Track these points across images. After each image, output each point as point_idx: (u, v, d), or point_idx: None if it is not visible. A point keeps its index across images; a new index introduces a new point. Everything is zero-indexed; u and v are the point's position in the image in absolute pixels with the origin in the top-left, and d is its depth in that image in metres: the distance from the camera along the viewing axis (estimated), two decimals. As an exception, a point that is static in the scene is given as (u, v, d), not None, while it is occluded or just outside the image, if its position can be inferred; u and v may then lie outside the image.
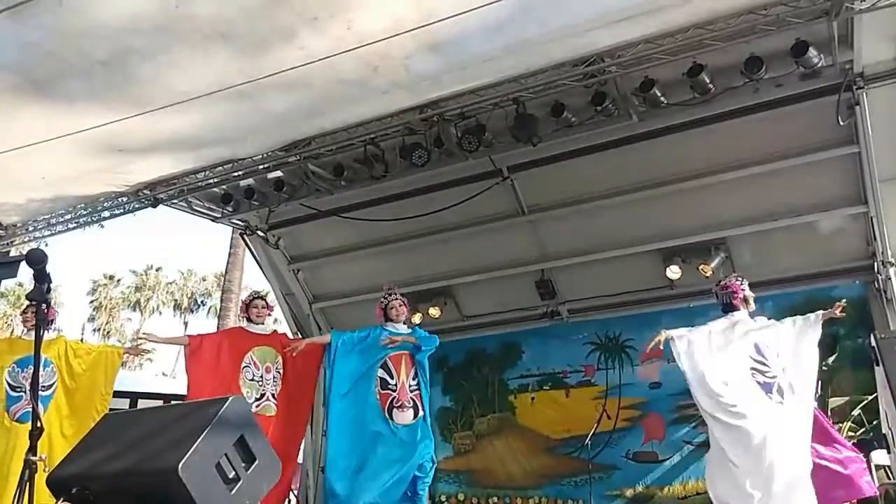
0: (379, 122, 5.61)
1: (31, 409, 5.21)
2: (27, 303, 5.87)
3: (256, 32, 4.29)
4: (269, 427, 5.48)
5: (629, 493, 6.79)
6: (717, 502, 4.59)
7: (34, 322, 5.56)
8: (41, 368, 5.34)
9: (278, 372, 5.88)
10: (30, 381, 5.28)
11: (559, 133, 5.72)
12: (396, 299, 5.79)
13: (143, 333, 5.56)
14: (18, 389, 5.43)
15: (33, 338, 5.43)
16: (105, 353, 5.93)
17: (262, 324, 6.01)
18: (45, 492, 2.37)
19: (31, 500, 2.44)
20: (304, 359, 5.94)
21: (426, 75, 4.88)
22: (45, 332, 5.58)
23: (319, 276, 8.23)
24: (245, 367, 5.74)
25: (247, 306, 6.04)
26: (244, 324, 6.04)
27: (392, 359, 5.65)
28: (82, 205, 6.78)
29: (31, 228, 7.15)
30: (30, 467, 2.31)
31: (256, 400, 5.69)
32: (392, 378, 5.61)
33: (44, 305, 2.54)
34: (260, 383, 5.76)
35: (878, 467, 5.13)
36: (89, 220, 6.94)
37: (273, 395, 5.78)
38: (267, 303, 6.15)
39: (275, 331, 6.28)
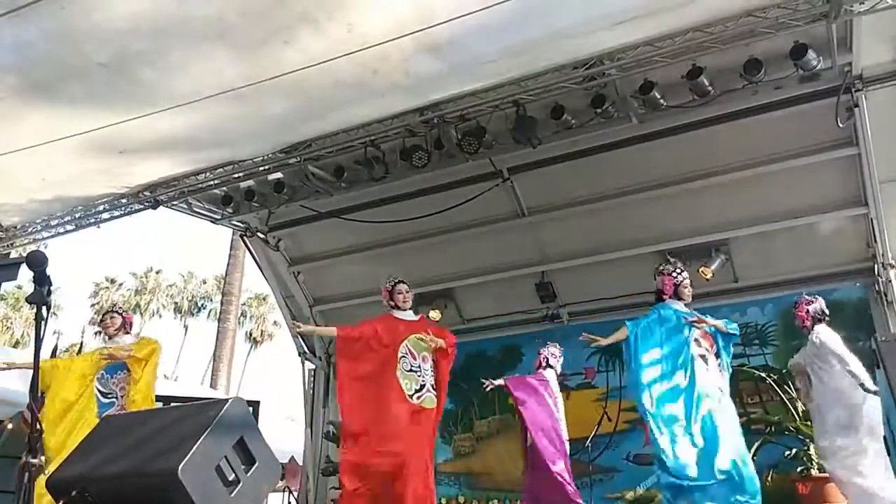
0: (379, 123, 5.62)
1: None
2: (106, 310, 5.88)
3: (256, 35, 4.30)
4: (429, 420, 5.14)
5: (630, 495, 6.78)
6: None
7: (115, 328, 5.51)
8: (115, 373, 5.33)
9: (434, 360, 5.34)
10: (121, 386, 5.33)
11: (559, 135, 5.73)
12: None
13: (293, 322, 5.27)
14: (110, 395, 5.35)
15: (114, 344, 5.43)
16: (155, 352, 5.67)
17: (409, 309, 5.46)
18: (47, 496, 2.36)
19: None
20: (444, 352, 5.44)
21: (426, 77, 4.89)
22: (122, 335, 5.54)
23: (320, 277, 8.23)
24: (402, 356, 5.20)
25: (390, 292, 5.41)
26: (390, 310, 5.41)
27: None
28: (82, 206, 6.79)
29: (31, 230, 7.15)
30: (29, 470, 2.30)
31: (416, 391, 5.16)
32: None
33: (44, 308, 2.53)
34: (418, 374, 5.23)
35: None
36: (89, 221, 6.95)
37: (432, 386, 5.26)
38: (409, 286, 5.52)
39: (422, 316, 5.78)
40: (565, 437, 5.83)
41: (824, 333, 4.89)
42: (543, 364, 6.08)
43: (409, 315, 5.41)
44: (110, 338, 5.61)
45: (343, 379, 5.28)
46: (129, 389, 5.34)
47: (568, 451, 5.85)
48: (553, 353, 6.12)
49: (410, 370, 5.19)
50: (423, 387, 5.19)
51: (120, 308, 5.91)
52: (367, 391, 5.10)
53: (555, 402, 5.91)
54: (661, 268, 5.39)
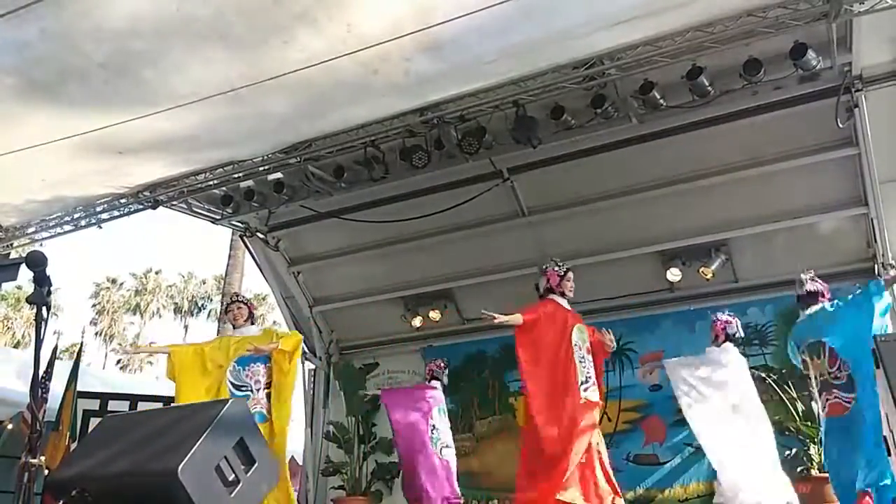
0: (379, 124, 5.62)
1: (265, 410, 5.07)
2: (232, 299, 5.66)
3: (256, 35, 4.30)
4: (594, 412, 5.02)
5: (630, 495, 6.75)
6: None
7: (243, 318, 5.37)
8: (249, 366, 5.18)
9: (592, 354, 5.17)
10: (255, 379, 5.16)
11: (559, 135, 5.73)
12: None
13: (483, 311, 4.88)
14: (244, 388, 5.14)
15: (243, 334, 5.30)
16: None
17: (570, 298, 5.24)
18: None
19: (31, 504, 2.43)
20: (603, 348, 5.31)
21: (426, 78, 4.89)
22: (248, 325, 5.42)
23: (320, 278, 8.23)
24: (574, 344, 5.03)
25: (561, 278, 5.16)
26: (553, 297, 5.17)
27: None
28: (81, 206, 6.78)
29: (31, 230, 7.15)
30: (29, 471, 2.30)
31: (583, 383, 4.98)
32: None
33: (44, 308, 2.53)
34: (584, 364, 5.05)
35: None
36: (89, 222, 6.94)
37: (594, 379, 5.12)
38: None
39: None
40: (441, 452, 6.08)
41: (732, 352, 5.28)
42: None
43: (567, 305, 5.23)
44: (236, 328, 5.45)
45: (528, 372, 5.03)
46: (277, 381, 5.18)
47: (451, 467, 6.11)
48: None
49: (581, 361, 5.07)
50: (588, 378, 5.08)
51: (244, 297, 5.71)
52: (550, 377, 4.94)
53: (428, 413, 6.14)
54: None
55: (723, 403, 5.10)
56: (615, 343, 5.31)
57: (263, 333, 5.44)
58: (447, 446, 6.19)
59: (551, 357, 4.99)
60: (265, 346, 5.19)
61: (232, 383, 5.13)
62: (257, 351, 5.17)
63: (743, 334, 5.55)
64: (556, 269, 5.23)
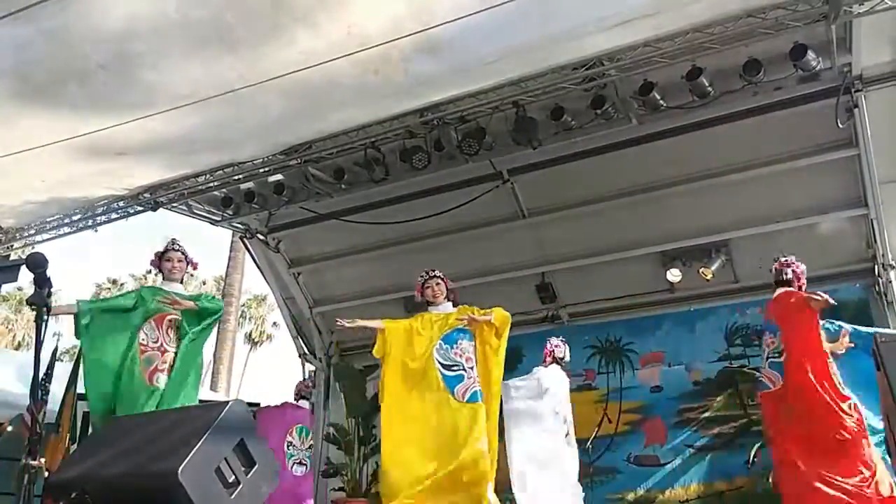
0: (379, 125, 5.62)
1: (479, 389, 4.65)
2: (430, 274, 5.09)
3: (256, 36, 4.30)
4: None
5: (630, 496, 6.77)
6: None
7: (444, 295, 4.89)
8: (456, 343, 4.76)
9: None
10: (465, 356, 4.75)
11: (559, 136, 5.73)
12: None
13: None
14: (455, 367, 4.73)
15: (442, 311, 4.83)
16: None
17: None
18: None
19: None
20: None
21: (426, 78, 4.89)
22: (446, 302, 4.99)
23: (320, 279, 8.23)
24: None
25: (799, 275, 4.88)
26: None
27: None
28: (81, 208, 6.78)
29: (30, 232, 7.14)
30: (29, 473, 2.30)
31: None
32: None
33: (44, 310, 2.53)
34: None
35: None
36: (87, 224, 6.94)
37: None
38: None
39: None
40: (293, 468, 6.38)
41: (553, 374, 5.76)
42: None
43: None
44: (435, 305, 5.03)
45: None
46: (487, 358, 4.80)
47: (305, 485, 6.50)
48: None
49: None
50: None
51: (440, 273, 5.19)
52: None
53: (288, 432, 6.45)
54: None
55: (541, 420, 5.54)
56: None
57: (459, 311, 5.00)
58: (300, 463, 6.52)
59: None
60: (479, 317, 4.81)
61: (440, 363, 4.75)
62: (472, 322, 4.78)
63: (569, 358, 6.00)
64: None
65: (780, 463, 4.66)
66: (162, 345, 4.52)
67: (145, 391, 4.35)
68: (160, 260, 4.86)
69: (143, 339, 4.48)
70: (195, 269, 4.98)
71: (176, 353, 4.54)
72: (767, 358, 4.82)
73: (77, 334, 4.56)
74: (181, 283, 4.95)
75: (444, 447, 4.54)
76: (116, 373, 4.42)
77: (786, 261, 4.93)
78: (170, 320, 4.59)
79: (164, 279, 4.87)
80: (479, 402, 4.67)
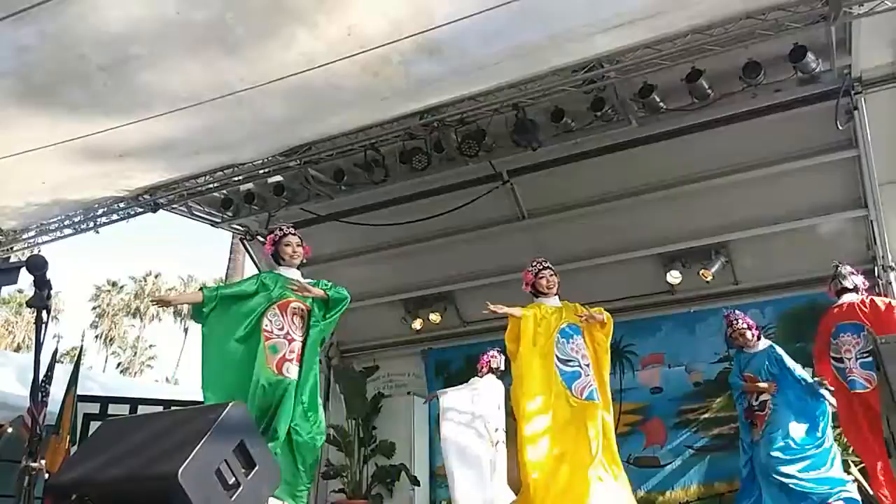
0: (379, 127, 5.63)
1: (595, 387, 4.44)
2: (543, 265, 4.88)
3: (256, 38, 4.30)
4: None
5: (630, 498, 6.77)
6: None
7: (556, 284, 4.69)
8: (572, 338, 4.56)
9: None
10: (581, 353, 4.57)
11: (559, 138, 5.73)
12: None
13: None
14: (572, 363, 4.55)
15: (553, 304, 4.57)
16: None
17: None
18: None
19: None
20: None
21: (426, 80, 4.89)
22: (553, 296, 4.78)
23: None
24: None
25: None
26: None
27: None
28: (81, 210, 6.78)
29: (31, 234, 7.14)
30: (29, 475, 2.29)
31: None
32: None
33: (44, 312, 2.52)
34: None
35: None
36: (88, 225, 6.94)
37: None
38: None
39: None
40: None
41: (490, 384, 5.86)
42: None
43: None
44: (546, 296, 4.81)
45: None
46: (600, 359, 4.64)
47: None
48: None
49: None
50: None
51: (549, 263, 4.99)
52: None
53: None
54: None
55: (475, 429, 5.70)
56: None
57: (568, 307, 4.81)
58: None
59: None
60: (597, 314, 4.63)
61: (559, 357, 4.55)
62: (589, 318, 4.60)
63: (504, 368, 5.90)
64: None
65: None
66: (288, 332, 4.19)
67: (275, 381, 4.02)
68: (276, 245, 4.44)
69: (266, 326, 4.14)
70: (307, 254, 4.57)
71: (304, 343, 4.22)
72: (857, 358, 4.74)
73: (199, 320, 4.21)
74: (298, 269, 4.56)
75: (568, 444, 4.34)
76: (239, 361, 4.08)
77: (851, 269, 5.03)
78: (294, 308, 4.28)
79: (280, 264, 4.45)
80: (596, 402, 4.46)
